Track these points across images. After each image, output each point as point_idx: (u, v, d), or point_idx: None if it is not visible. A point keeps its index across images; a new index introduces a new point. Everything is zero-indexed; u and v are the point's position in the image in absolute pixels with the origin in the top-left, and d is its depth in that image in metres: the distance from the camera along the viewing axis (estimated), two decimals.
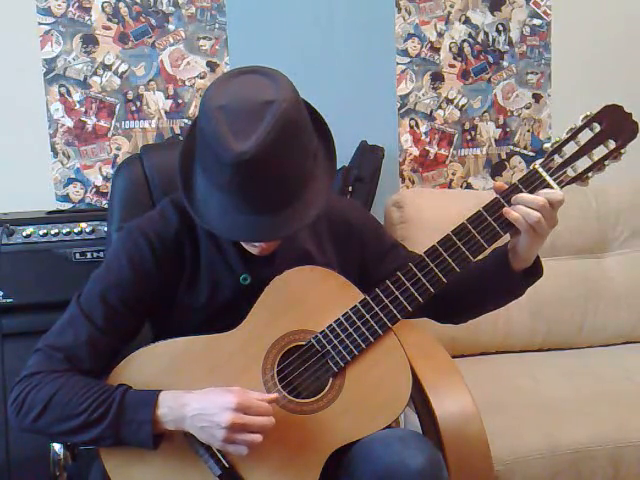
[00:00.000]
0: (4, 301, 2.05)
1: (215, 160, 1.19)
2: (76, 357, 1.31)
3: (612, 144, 1.31)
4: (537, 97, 2.76)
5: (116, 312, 1.34)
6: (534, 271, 1.38)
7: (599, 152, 1.31)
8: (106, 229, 1.84)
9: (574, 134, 1.31)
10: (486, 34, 2.68)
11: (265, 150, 1.16)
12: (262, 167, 1.17)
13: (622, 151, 1.32)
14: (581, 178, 1.32)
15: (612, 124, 1.31)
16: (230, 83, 1.22)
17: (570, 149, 1.31)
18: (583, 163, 1.32)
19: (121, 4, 2.41)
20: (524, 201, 1.29)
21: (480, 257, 1.38)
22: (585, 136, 1.31)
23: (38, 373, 1.30)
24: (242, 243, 1.34)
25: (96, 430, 1.26)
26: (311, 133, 1.27)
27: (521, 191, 1.30)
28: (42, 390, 1.28)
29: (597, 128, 1.31)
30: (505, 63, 2.72)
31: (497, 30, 2.69)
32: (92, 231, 2.12)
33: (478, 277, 1.42)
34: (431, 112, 2.68)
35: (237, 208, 1.21)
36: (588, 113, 1.31)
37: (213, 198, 1.23)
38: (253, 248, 1.32)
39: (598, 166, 1.32)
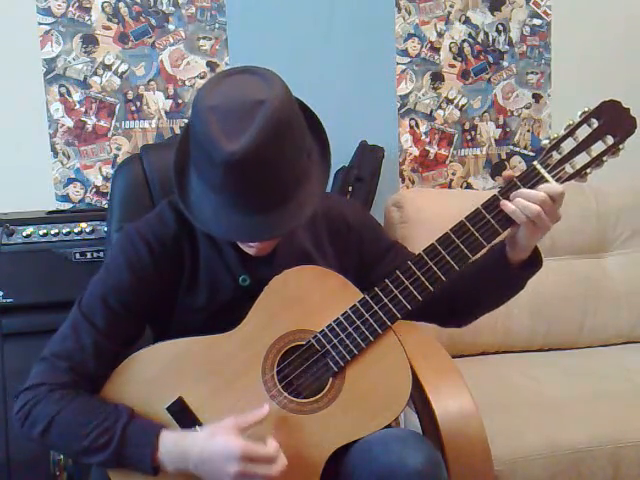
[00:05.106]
0: (4, 301, 2.05)
1: (207, 161, 1.19)
2: (80, 364, 1.30)
3: (610, 140, 1.30)
4: (537, 97, 2.76)
5: (117, 315, 1.33)
6: (533, 262, 1.36)
7: (597, 148, 1.30)
8: (106, 229, 1.84)
9: (572, 130, 1.30)
10: (486, 34, 2.69)
11: (256, 150, 1.15)
12: (254, 167, 1.16)
13: (620, 147, 1.31)
14: (580, 174, 1.31)
15: (610, 120, 1.30)
16: (222, 83, 1.22)
17: (568, 145, 1.30)
18: (581, 159, 1.31)
19: (121, 4, 2.41)
20: (524, 195, 1.28)
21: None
22: (583, 132, 1.30)
23: (43, 384, 1.29)
24: (239, 243, 1.34)
25: (100, 457, 1.26)
26: (304, 132, 1.26)
27: (519, 188, 1.29)
28: (46, 407, 1.27)
29: (595, 124, 1.30)
30: (505, 63, 2.72)
31: (497, 30, 2.69)
32: (92, 231, 2.12)
33: (476, 272, 1.40)
34: (431, 112, 2.68)
35: (231, 208, 1.21)
36: (586, 109, 1.30)
37: (208, 199, 1.23)
38: (249, 248, 1.32)
39: (596, 162, 1.31)
